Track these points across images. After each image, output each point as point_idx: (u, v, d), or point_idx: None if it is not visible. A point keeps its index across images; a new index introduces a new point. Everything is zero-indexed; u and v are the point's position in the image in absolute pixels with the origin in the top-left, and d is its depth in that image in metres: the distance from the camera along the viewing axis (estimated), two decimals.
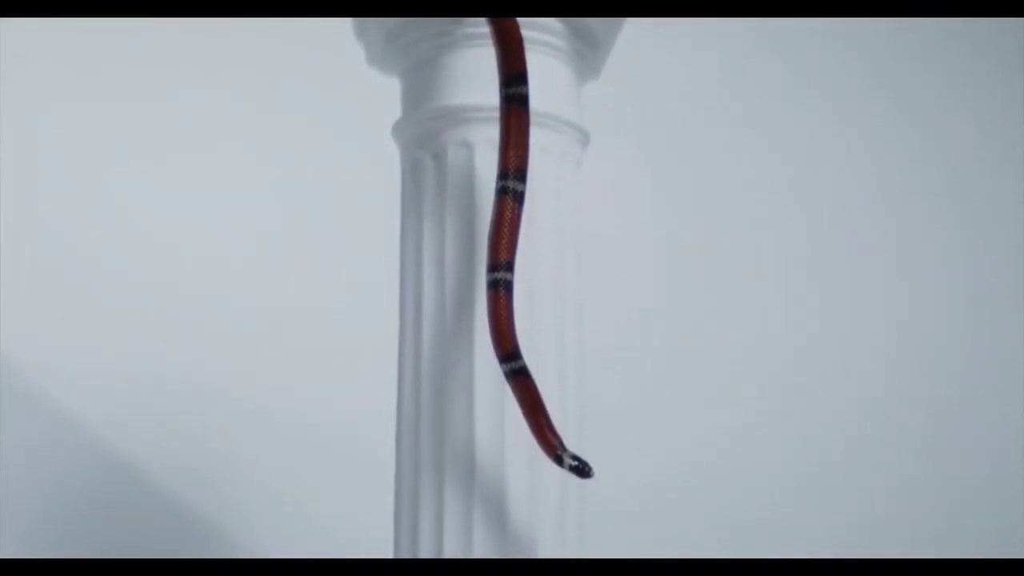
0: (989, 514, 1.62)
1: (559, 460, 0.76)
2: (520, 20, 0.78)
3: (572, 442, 0.79)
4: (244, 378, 1.33)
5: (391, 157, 0.86)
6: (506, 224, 0.79)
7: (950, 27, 1.70)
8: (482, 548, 0.79)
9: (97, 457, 1.29)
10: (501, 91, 0.79)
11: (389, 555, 0.83)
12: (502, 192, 0.79)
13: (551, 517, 0.81)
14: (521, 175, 0.79)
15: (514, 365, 0.78)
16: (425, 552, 0.80)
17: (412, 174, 0.84)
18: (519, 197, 0.79)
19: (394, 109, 0.86)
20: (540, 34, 0.81)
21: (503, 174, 0.79)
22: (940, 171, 1.73)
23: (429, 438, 0.81)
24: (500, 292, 0.78)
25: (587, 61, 0.85)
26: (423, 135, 0.82)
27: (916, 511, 1.60)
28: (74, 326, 1.30)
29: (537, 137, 0.80)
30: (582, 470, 0.76)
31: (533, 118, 0.79)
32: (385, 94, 0.87)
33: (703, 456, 1.53)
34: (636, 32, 0.91)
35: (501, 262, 0.78)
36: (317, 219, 1.40)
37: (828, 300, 1.65)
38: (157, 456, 1.31)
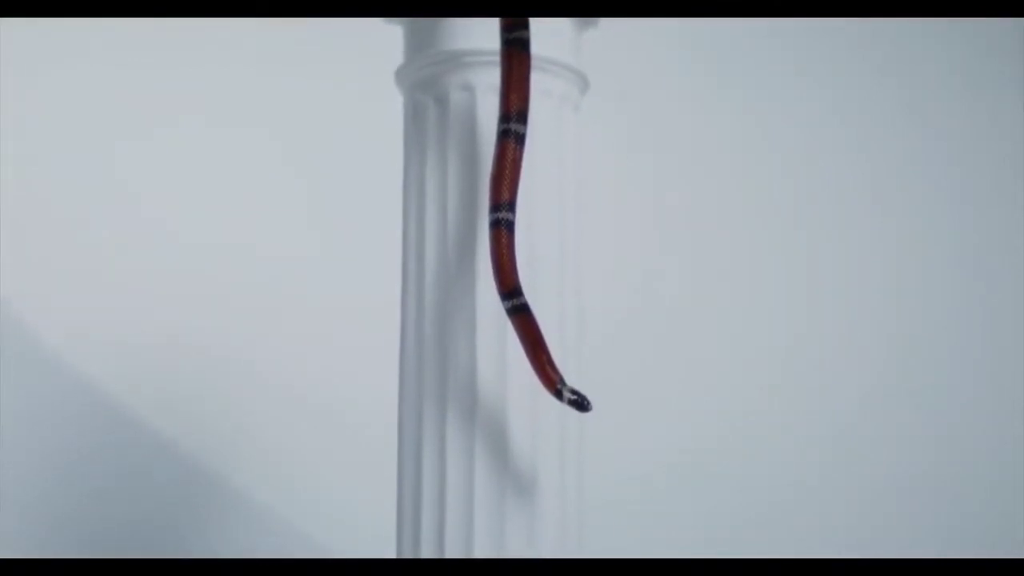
0: (989, 514, 1.63)
1: (559, 394, 0.78)
2: None
3: (571, 378, 0.81)
4: (249, 326, 1.34)
5: (394, 104, 0.88)
6: (508, 165, 0.80)
7: (953, 26, 1.72)
8: (483, 479, 0.80)
9: (108, 418, 1.30)
10: (502, 35, 0.81)
11: (392, 486, 0.84)
12: (504, 134, 0.80)
13: (552, 449, 0.82)
14: (522, 117, 0.80)
15: (516, 302, 0.79)
16: (428, 483, 0.81)
17: (414, 118, 0.85)
18: (520, 139, 0.80)
19: (396, 56, 0.87)
20: None
21: (505, 117, 0.80)
22: (942, 165, 1.74)
23: (432, 374, 0.82)
24: (502, 232, 0.80)
25: None
26: (425, 79, 0.84)
27: (917, 510, 1.61)
28: (88, 288, 1.31)
29: (537, 81, 0.82)
30: (581, 404, 0.77)
31: (533, 62, 0.81)
32: (388, 40, 0.89)
33: (701, 434, 1.54)
34: None
35: (503, 202, 0.80)
36: (320, 166, 1.41)
37: (833, 284, 1.65)
38: (167, 416, 1.32)
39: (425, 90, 0.84)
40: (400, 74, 0.86)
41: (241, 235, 1.36)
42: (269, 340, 1.35)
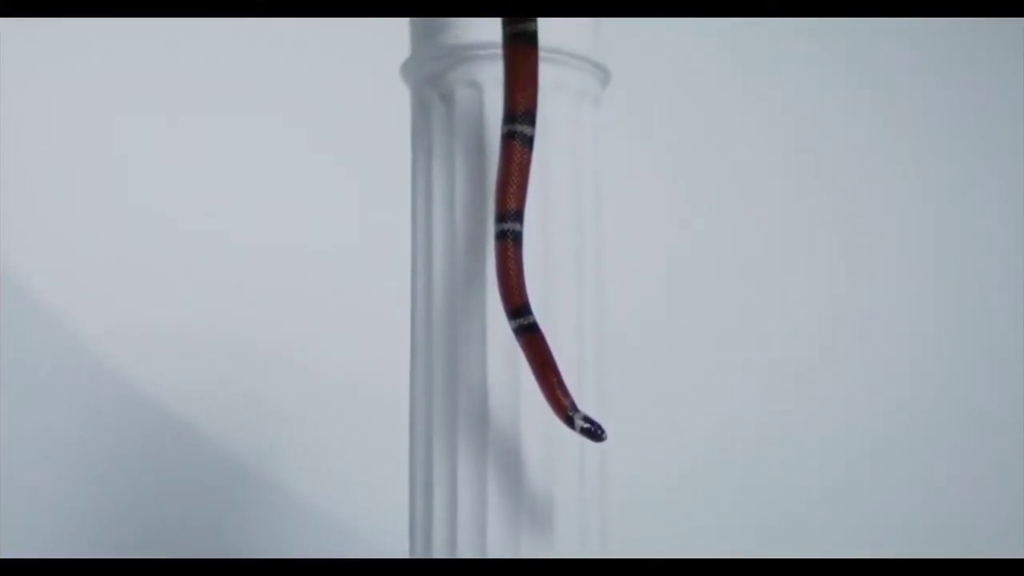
0: (989, 514, 1.54)
1: (570, 422, 0.72)
2: None
3: (590, 405, 0.75)
4: (255, 325, 1.31)
5: (403, 98, 0.82)
6: (514, 170, 0.74)
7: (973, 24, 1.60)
8: (496, 504, 0.75)
9: (144, 411, 1.29)
10: (504, 29, 0.74)
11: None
12: (509, 136, 0.73)
13: (569, 474, 0.76)
14: (530, 118, 0.73)
15: (523, 321, 0.73)
16: (439, 506, 0.77)
17: (421, 115, 0.79)
18: (528, 141, 0.73)
19: (405, 48, 0.81)
20: None
21: (510, 117, 0.73)
22: (977, 164, 1.65)
23: (442, 392, 0.77)
24: (508, 244, 0.73)
25: None
26: (431, 75, 0.78)
27: (925, 510, 1.53)
28: (112, 280, 1.30)
29: (550, 74, 0.75)
30: (594, 433, 0.71)
31: (545, 54, 0.74)
32: (396, 32, 0.83)
33: (728, 447, 1.48)
34: None
35: (509, 212, 0.74)
36: (329, 159, 1.37)
37: (857, 289, 1.59)
38: (200, 409, 1.31)
39: (431, 86, 0.78)
40: (405, 69, 0.80)
41: (249, 231, 1.33)
42: (287, 331, 1.32)
